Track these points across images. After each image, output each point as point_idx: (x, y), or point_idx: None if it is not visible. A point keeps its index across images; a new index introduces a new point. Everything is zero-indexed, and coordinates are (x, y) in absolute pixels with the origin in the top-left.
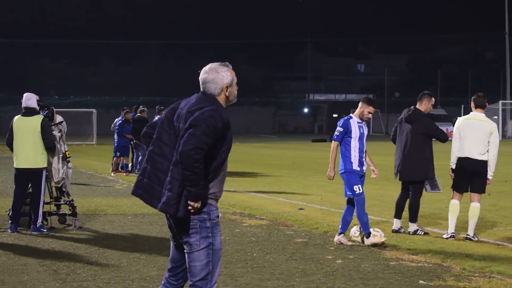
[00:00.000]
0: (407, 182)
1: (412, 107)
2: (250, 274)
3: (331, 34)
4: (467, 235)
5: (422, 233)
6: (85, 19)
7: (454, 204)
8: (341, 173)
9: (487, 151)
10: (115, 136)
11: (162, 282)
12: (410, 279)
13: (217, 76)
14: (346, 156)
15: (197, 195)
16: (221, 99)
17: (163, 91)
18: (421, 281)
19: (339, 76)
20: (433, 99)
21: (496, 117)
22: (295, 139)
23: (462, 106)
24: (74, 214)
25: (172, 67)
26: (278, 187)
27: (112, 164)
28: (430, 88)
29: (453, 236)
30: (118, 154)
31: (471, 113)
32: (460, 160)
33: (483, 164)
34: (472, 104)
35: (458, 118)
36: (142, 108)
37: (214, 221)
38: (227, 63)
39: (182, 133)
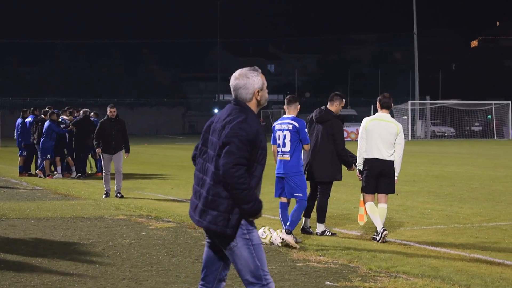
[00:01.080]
0: (315, 183)
1: (323, 107)
2: (155, 277)
3: (241, 34)
4: (374, 235)
5: (330, 234)
6: None
7: (371, 205)
8: (299, 175)
9: (394, 151)
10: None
11: None
12: (317, 280)
13: (248, 82)
14: (300, 158)
15: (253, 211)
16: (252, 104)
17: (69, 92)
18: (327, 282)
19: None
20: (344, 100)
21: (405, 117)
22: None
23: (372, 106)
24: None
25: (79, 67)
26: (186, 189)
27: (41, 168)
28: (340, 88)
29: (386, 232)
30: (48, 156)
31: (377, 113)
32: (368, 161)
33: (391, 164)
34: (378, 104)
35: (365, 118)
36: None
37: (249, 220)
38: (256, 67)
39: (218, 152)
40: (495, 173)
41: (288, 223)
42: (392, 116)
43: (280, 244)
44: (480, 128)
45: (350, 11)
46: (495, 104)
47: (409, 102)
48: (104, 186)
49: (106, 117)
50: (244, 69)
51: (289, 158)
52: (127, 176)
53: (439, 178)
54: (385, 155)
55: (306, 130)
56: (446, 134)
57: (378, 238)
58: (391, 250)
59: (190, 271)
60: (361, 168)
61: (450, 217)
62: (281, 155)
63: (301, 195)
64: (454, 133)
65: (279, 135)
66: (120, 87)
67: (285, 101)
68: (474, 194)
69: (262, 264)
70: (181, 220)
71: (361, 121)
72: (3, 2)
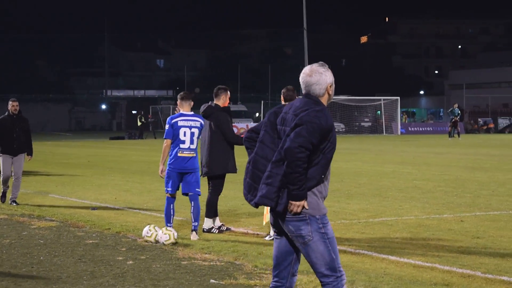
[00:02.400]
0: (209, 178)
1: (210, 103)
2: (35, 278)
3: (129, 29)
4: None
5: (217, 231)
6: None
7: None
8: (198, 171)
9: None
10: None
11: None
12: (201, 279)
13: (321, 78)
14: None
15: (296, 195)
16: (324, 99)
17: None
18: (212, 280)
19: (138, 72)
20: (229, 92)
21: None
22: (93, 137)
23: (262, 102)
24: None
25: None
26: (71, 187)
27: None
28: (230, 83)
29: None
30: None
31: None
32: None
33: None
34: (282, 98)
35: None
36: None
37: (322, 213)
38: (323, 62)
39: (288, 132)
40: (383, 168)
41: (193, 220)
42: None
43: (165, 242)
44: (370, 123)
45: (240, 6)
46: (384, 99)
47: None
48: (2, 187)
49: (6, 113)
50: (313, 65)
51: (195, 155)
52: None
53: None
54: None
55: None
56: (336, 130)
57: (267, 237)
58: None
59: (73, 271)
60: None
61: (337, 213)
62: (189, 152)
63: (199, 189)
64: (344, 129)
65: (185, 132)
66: (4, 82)
67: (179, 97)
68: (362, 190)
69: (337, 257)
70: (65, 219)
71: (251, 117)
72: None
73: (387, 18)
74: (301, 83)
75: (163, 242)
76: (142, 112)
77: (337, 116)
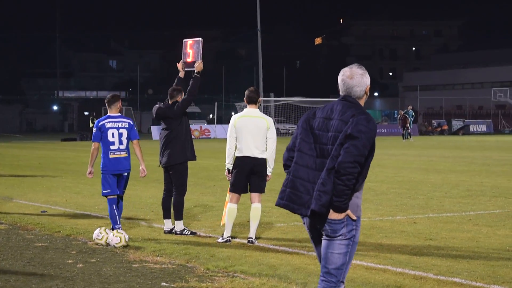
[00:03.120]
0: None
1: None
2: None
3: (81, 29)
4: (250, 238)
5: (189, 233)
6: None
7: (231, 209)
8: (129, 172)
9: (266, 148)
10: None
11: (320, 286)
12: (153, 282)
13: (362, 80)
14: None
15: (338, 208)
16: (362, 100)
17: None
18: (163, 283)
19: (90, 73)
20: (183, 92)
21: None
22: (44, 138)
23: (216, 103)
24: None
25: None
26: (20, 189)
27: None
28: (183, 85)
29: (229, 241)
30: None
31: (245, 109)
32: (239, 159)
33: (263, 162)
34: (245, 100)
35: (233, 116)
36: None
37: (359, 216)
38: (358, 64)
39: (342, 141)
40: None
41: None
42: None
43: (116, 245)
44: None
45: (193, 7)
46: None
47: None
48: None
49: None
50: (353, 67)
51: (126, 155)
52: None
53: (282, 176)
54: (256, 153)
55: (135, 128)
56: (290, 131)
57: (220, 239)
58: (230, 249)
59: (21, 275)
60: (230, 168)
61: (290, 215)
62: (119, 152)
63: (124, 190)
64: None
65: (113, 133)
66: None
67: (106, 101)
68: None
69: (349, 263)
70: (14, 221)
71: (204, 118)
72: None
73: (341, 20)
74: (340, 85)
75: (114, 245)
76: (94, 114)
77: (292, 118)
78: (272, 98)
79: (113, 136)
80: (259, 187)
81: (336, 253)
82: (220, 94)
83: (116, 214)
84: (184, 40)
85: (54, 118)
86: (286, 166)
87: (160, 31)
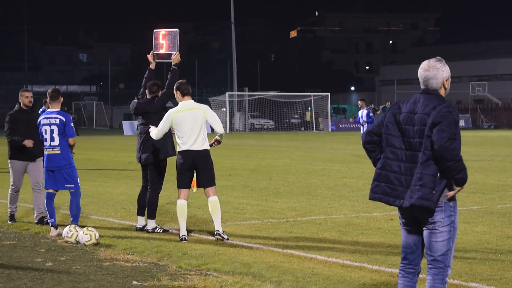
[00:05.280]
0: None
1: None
2: None
3: (49, 21)
4: (217, 231)
5: (161, 231)
6: None
7: (181, 205)
8: (71, 166)
9: (206, 139)
10: None
11: (400, 274)
12: (124, 280)
13: (438, 73)
14: (69, 150)
15: (464, 180)
16: (441, 92)
17: None
18: (134, 282)
19: (60, 66)
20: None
21: (224, 109)
22: None
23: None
24: None
25: None
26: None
27: None
28: (156, 79)
29: (185, 239)
30: None
31: (180, 103)
32: (180, 153)
33: (206, 153)
34: (178, 93)
35: (169, 110)
36: None
37: (455, 201)
38: (439, 57)
39: (428, 133)
40: (312, 166)
41: (72, 219)
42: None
43: (86, 243)
44: (299, 120)
45: None
46: (314, 96)
47: (227, 93)
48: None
49: (17, 107)
50: (431, 60)
51: (59, 152)
52: None
53: (256, 172)
54: (196, 146)
55: (71, 124)
56: (265, 126)
57: (180, 237)
58: (203, 247)
59: None
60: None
61: (264, 212)
62: (51, 149)
63: (73, 185)
64: (273, 126)
65: (45, 130)
66: None
67: (48, 95)
68: (290, 188)
69: (453, 248)
70: None
71: None
72: None
73: (316, 12)
74: (419, 77)
75: (84, 243)
76: (66, 108)
77: (266, 113)
78: (247, 93)
79: (45, 133)
80: (208, 181)
81: (440, 241)
82: (193, 88)
83: (53, 209)
84: (155, 30)
85: None
86: (366, 150)
87: (130, 24)
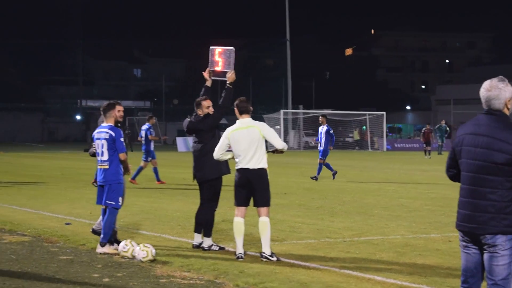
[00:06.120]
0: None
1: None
2: None
3: (104, 36)
4: (262, 253)
5: (218, 248)
6: None
7: (237, 223)
8: (117, 183)
9: (263, 158)
10: None
11: None
12: None
13: (500, 93)
14: (119, 166)
15: None
16: (505, 112)
17: None
18: None
19: (113, 81)
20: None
21: (278, 127)
22: (66, 148)
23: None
24: None
25: None
26: (44, 201)
27: None
28: (210, 95)
29: (241, 257)
30: None
31: (237, 121)
32: (237, 171)
33: (261, 173)
34: (236, 110)
35: (227, 129)
36: None
37: None
38: (502, 77)
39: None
40: (368, 185)
41: (102, 236)
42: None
43: (142, 259)
44: (355, 139)
45: (219, 15)
46: (369, 114)
47: (282, 111)
48: None
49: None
50: (493, 80)
51: (107, 167)
52: None
53: (311, 191)
54: (251, 165)
55: (122, 139)
56: None
57: (237, 255)
58: (260, 265)
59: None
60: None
61: (320, 231)
62: (101, 164)
63: (113, 203)
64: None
65: (98, 144)
66: None
67: (101, 110)
68: (346, 208)
69: None
70: (37, 233)
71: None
72: None
73: (372, 30)
74: (481, 97)
75: (140, 259)
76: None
77: None
78: (301, 110)
79: (98, 147)
80: (261, 201)
81: (501, 265)
82: (234, 107)
83: (110, 226)
84: (211, 47)
85: (76, 127)
86: (449, 177)
87: (184, 40)
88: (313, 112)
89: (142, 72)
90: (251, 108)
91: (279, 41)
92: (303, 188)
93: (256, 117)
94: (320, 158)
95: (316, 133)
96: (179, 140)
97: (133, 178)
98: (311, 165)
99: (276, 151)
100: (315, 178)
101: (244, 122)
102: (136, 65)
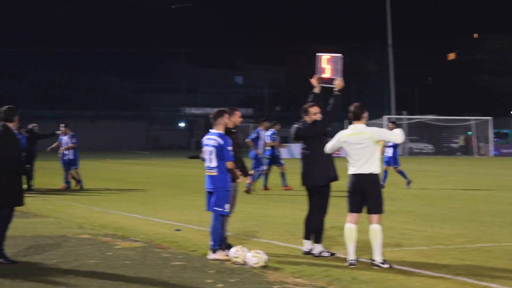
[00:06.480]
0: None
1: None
2: None
3: (205, 44)
4: (372, 260)
5: (328, 255)
6: None
7: (348, 229)
8: (224, 190)
9: (374, 164)
10: None
11: None
12: None
13: None
14: (227, 173)
15: None
16: None
17: (24, 103)
18: None
19: (216, 89)
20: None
21: None
22: (170, 155)
23: (345, 121)
24: None
25: (36, 77)
26: (152, 207)
27: None
28: (319, 101)
29: (353, 264)
30: None
31: (350, 126)
32: (350, 176)
33: (373, 179)
34: (350, 115)
35: (340, 132)
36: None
37: None
38: None
39: None
40: (477, 192)
41: (212, 243)
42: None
43: (254, 265)
44: (460, 145)
45: (320, 21)
46: (475, 120)
47: (384, 117)
48: None
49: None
50: None
51: (216, 173)
52: (89, 193)
53: (418, 197)
54: (363, 170)
55: (229, 148)
56: (424, 151)
57: (348, 262)
58: (372, 272)
59: None
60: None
61: (431, 238)
62: (209, 170)
63: (220, 209)
64: (432, 150)
65: (206, 151)
66: (79, 99)
67: (211, 117)
68: (456, 214)
69: None
70: (149, 239)
71: (333, 137)
72: None
73: (476, 34)
74: None
75: (252, 265)
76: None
77: (425, 137)
78: (405, 116)
79: (206, 153)
80: (374, 208)
81: None
82: (348, 112)
83: (215, 231)
84: (317, 54)
85: (180, 134)
86: None
87: (286, 46)
88: (417, 118)
89: (244, 79)
90: (366, 114)
91: (380, 46)
92: (411, 195)
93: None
94: (395, 166)
95: (420, 139)
96: None
97: (285, 185)
98: (417, 172)
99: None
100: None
101: (357, 128)
102: (238, 72)
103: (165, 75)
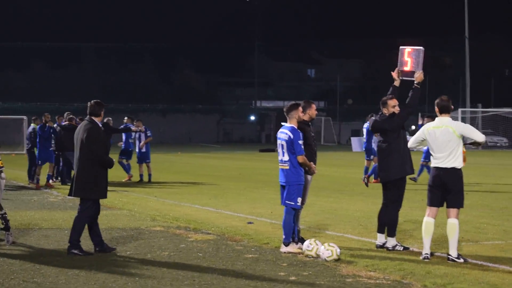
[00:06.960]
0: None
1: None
2: None
3: (279, 38)
4: (448, 255)
5: (402, 249)
6: (14, 20)
7: (427, 222)
8: (297, 184)
9: (457, 158)
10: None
11: None
12: None
13: None
14: (299, 167)
15: None
16: None
17: (99, 97)
18: None
19: (288, 82)
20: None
21: None
22: (241, 149)
23: (419, 114)
24: (7, 228)
25: (110, 72)
26: (224, 200)
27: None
28: (385, 95)
29: (427, 258)
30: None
31: (436, 119)
32: (432, 169)
33: (455, 173)
34: (436, 108)
35: (425, 124)
36: (71, 116)
37: None
38: None
39: None
40: None
41: (284, 237)
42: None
43: (327, 259)
44: None
45: (395, 14)
46: None
47: (460, 110)
48: None
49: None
50: None
51: (287, 167)
52: (161, 186)
53: (493, 191)
54: (444, 164)
55: (300, 142)
56: (498, 144)
57: (423, 256)
58: (446, 267)
59: (235, 285)
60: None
61: (507, 232)
62: (282, 164)
63: (292, 203)
64: (507, 144)
65: (278, 144)
66: (152, 93)
67: (285, 111)
68: None
69: None
70: (221, 232)
71: (407, 130)
72: (27, 5)
73: None
74: None
75: (325, 259)
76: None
77: (500, 130)
78: (480, 109)
79: (279, 147)
80: (453, 202)
81: None
82: (423, 105)
83: (288, 225)
84: (401, 47)
85: (251, 128)
86: None
87: (361, 40)
88: (492, 110)
89: (317, 73)
90: (452, 107)
91: (457, 38)
92: (484, 189)
93: (434, 116)
94: (424, 160)
95: (495, 132)
96: (354, 140)
97: (376, 178)
98: (492, 165)
99: (475, 144)
100: (414, 179)
101: (442, 121)
102: (311, 65)
103: (239, 69)
